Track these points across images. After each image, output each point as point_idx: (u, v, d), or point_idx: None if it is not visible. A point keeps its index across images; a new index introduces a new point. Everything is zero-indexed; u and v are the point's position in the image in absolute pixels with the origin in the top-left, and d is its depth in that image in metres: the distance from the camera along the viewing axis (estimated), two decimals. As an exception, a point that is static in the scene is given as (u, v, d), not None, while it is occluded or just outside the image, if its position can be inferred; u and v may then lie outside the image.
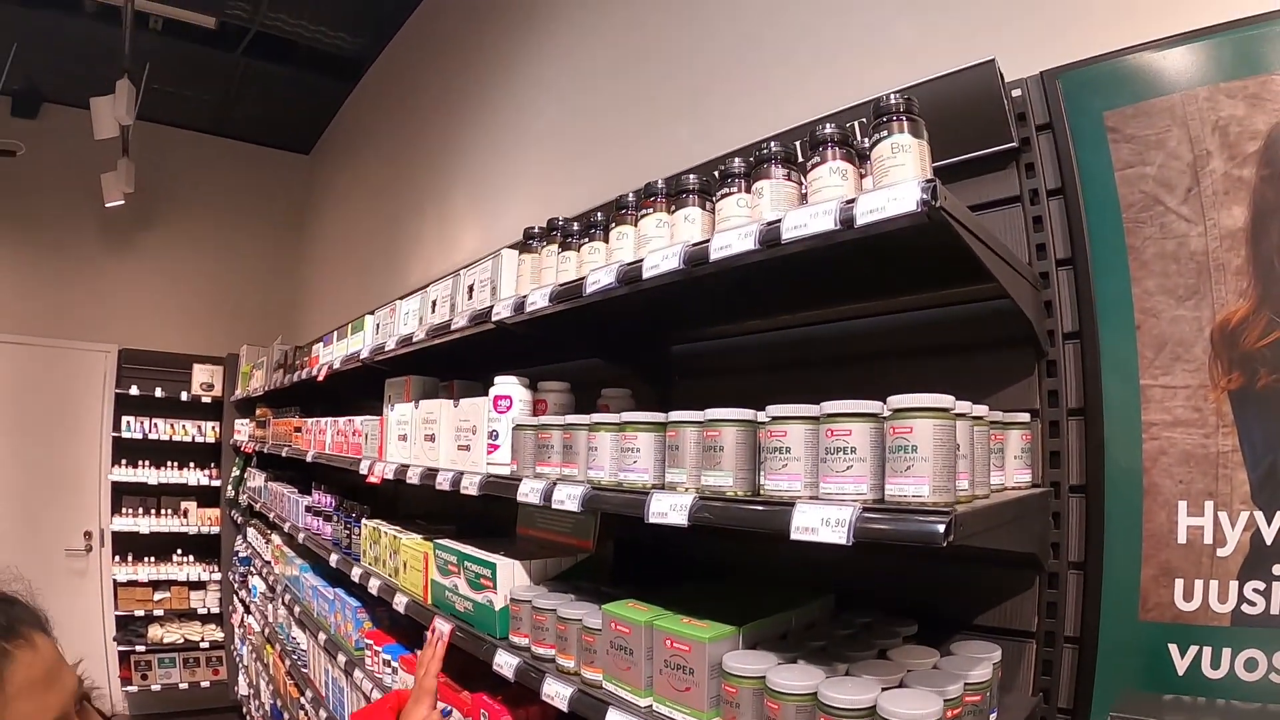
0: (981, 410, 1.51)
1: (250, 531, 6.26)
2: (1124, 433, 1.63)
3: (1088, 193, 1.70)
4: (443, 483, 2.40)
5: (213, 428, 8.07)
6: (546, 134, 4.02)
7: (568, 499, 1.81)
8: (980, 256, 1.39)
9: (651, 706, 1.63)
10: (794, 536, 1.28)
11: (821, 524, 1.26)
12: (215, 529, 7.85)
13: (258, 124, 8.70)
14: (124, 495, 7.85)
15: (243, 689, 6.75)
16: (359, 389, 3.73)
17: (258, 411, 6.13)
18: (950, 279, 1.77)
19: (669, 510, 1.54)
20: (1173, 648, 1.55)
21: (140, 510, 7.80)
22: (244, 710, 6.82)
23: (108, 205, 7.29)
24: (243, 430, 7.03)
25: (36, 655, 1.12)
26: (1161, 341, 1.60)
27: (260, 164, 9.15)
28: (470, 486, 2.24)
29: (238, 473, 7.22)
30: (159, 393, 7.89)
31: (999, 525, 1.40)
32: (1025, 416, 1.70)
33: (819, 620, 1.85)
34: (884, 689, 1.34)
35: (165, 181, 8.37)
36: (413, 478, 2.63)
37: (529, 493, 1.94)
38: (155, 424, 7.92)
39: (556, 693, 1.81)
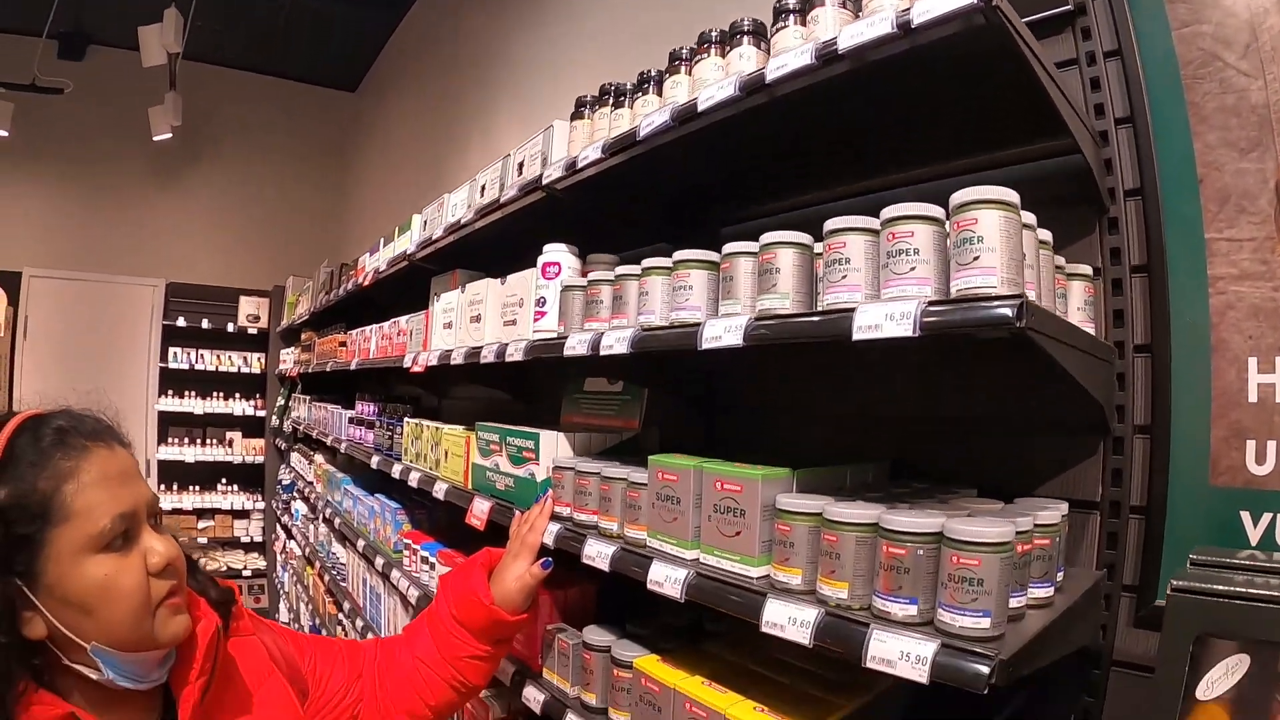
0: (1046, 236, 1.45)
1: (294, 457, 6.33)
2: (1189, 288, 1.56)
3: (1145, 52, 1.65)
4: (487, 356, 2.37)
5: (258, 358, 8.19)
6: (600, 31, 3.92)
7: (616, 343, 1.76)
8: (1039, 78, 1.33)
9: (698, 558, 1.60)
10: (856, 337, 1.23)
11: (885, 319, 1.19)
12: (259, 458, 7.99)
13: (304, 62, 8.77)
14: (170, 425, 8.03)
15: (283, 615, 6.86)
16: (405, 296, 3.71)
17: (303, 337, 6.17)
18: (1008, 131, 1.71)
19: (723, 333, 1.49)
20: (1245, 515, 1.48)
21: (186, 440, 7.97)
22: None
23: (155, 139, 7.40)
24: (288, 359, 7.10)
25: (114, 455, 1.20)
26: (1225, 195, 1.54)
27: (307, 101, 9.24)
28: (516, 353, 2.20)
29: (282, 402, 7.31)
30: (206, 324, 8.03)
31: (1070, 342, 1.31)
32: (1088, 269, 1.62)
33: (875, 481, 1.79)
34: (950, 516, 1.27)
35: (212, 120, 8.50)
36: (457, 358, 2.60)
37: (576, 345, 1.90)
38: (201, 355, 8.07)
39: (598, 553, 1.77)
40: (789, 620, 1.32)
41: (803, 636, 1.29)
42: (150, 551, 1.17)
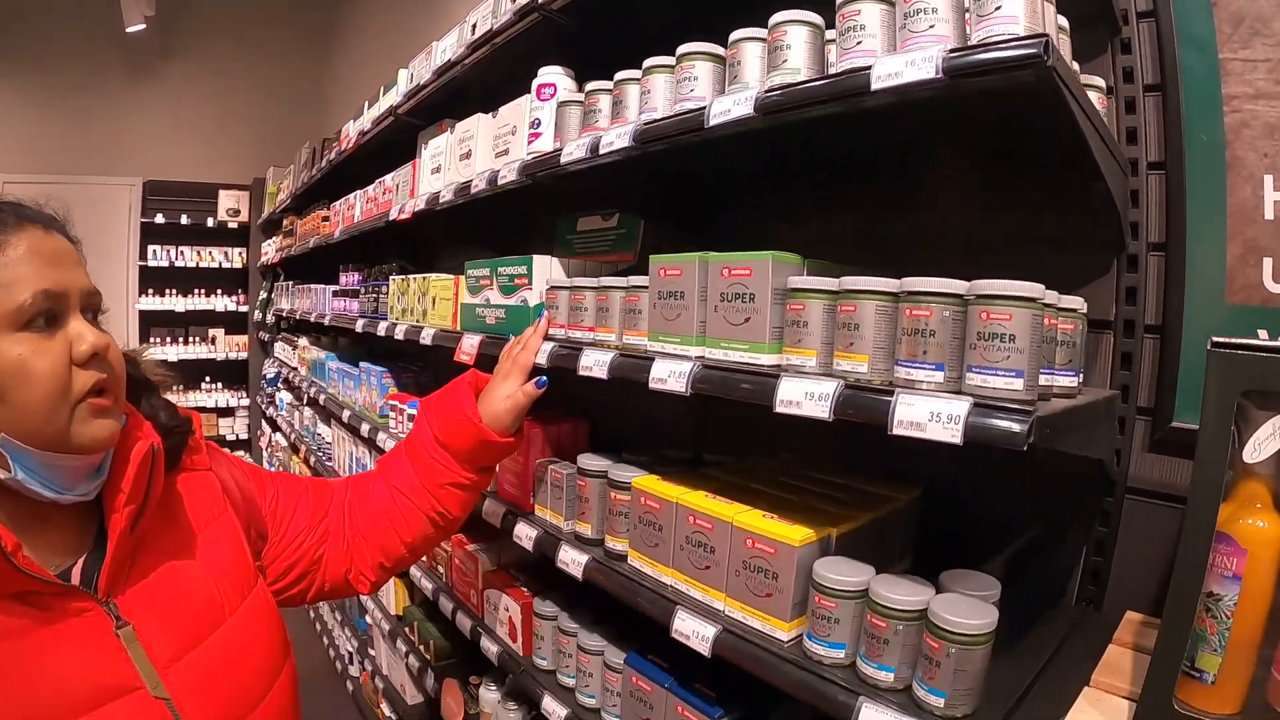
0: (1064, 23, 1.38)
1: (278, 347, 6.25)
2: (1204, 106, 1.50)
3: None
4: (478, 186, 2.27)
5: (239, 253, 8.06)
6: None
7: (617, 139, 1.66)
8: None
9: (704, 354, 1.51)
10: (875, 87, 1.16)
11: (905, 66, 1.13)
12: (243, 354, 7.92)
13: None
14: (152, 325, 7.92)
15: (269, 511, 6.85)
16: (392, 162, 3.57)
17: (284, 223, 6.04)
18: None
19: (732, 106, 1.39)
20: (1263, 334, 1.43)
21: (168, 339, 7.89)
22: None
23: (128, 30, 7.18)
24: (269, 250, 6.96)
25: (51, 238, 1.10)
26: (1239, 18, 1.46)
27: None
28: (509, 175, 2.10)
29: (265, 295, 7.20)
30: (185, 220, 7.88)
31: (1088, 111, 1.22)
32: (1101, 82, 1.53)
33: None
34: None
35: (185, 9, 8.18)
36: (446, 196, 2.50)
37: (573, 151, 1.80)
38: (181, 251, 7.93)
39: (595, 362, 1.69)
40: (805, 396, 1.24)
41: (821, 410, 1.21)
42: (78, 338, 1.07)
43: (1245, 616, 1.04)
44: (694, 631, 1.46)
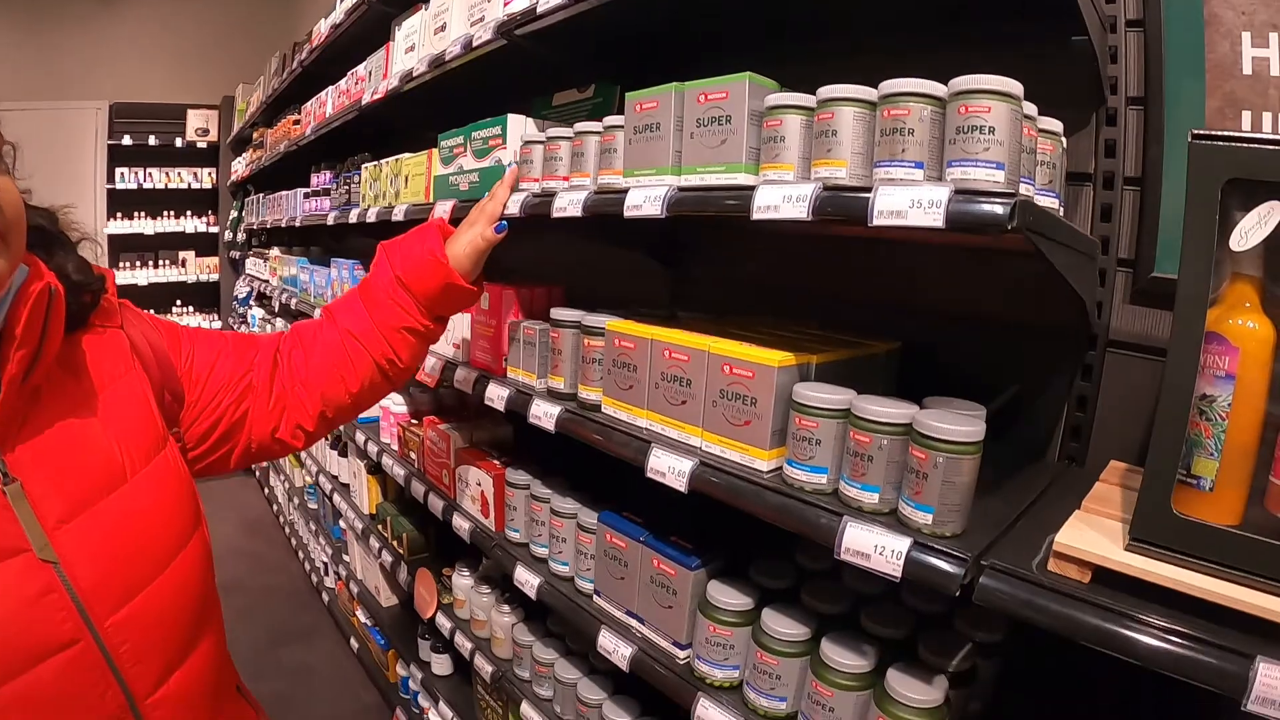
0: None
1: (249, 262, 6.14)
2: None
3: None
4: (453, 52, 2.20)
5: (209, 173, 7.90)
6: None
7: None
8: None
9: (679, 182, 1.46)
10: None
11: None
12: (214, 276, 7.81)
13: None
14: (121, 251, 7.78)
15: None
16: (364, 57, 3.48)
17: (254, 135, 5.91)
18: None
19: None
20: None
21: (138, 263, 7.75)
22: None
23: None
24: (239, 168, 6.83)
25: None
26: None
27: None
28: (483, 34, 2.03)
29: (235, 214, 7.08)
30: (153, 141, 7.70)
31: None
32: None
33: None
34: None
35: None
36: (419, 70, 2.43)
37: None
38: (150, 173, 7.76)
39: (570, 202, 1.65)
40: (783, 199, 1.20)
41: (800, 210, 1.17)
42: None
43: (1241, 418, 1.01)
44: (670, 468, 1.42)
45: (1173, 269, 1.37)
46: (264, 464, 6.17)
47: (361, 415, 3.21)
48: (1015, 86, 1.06)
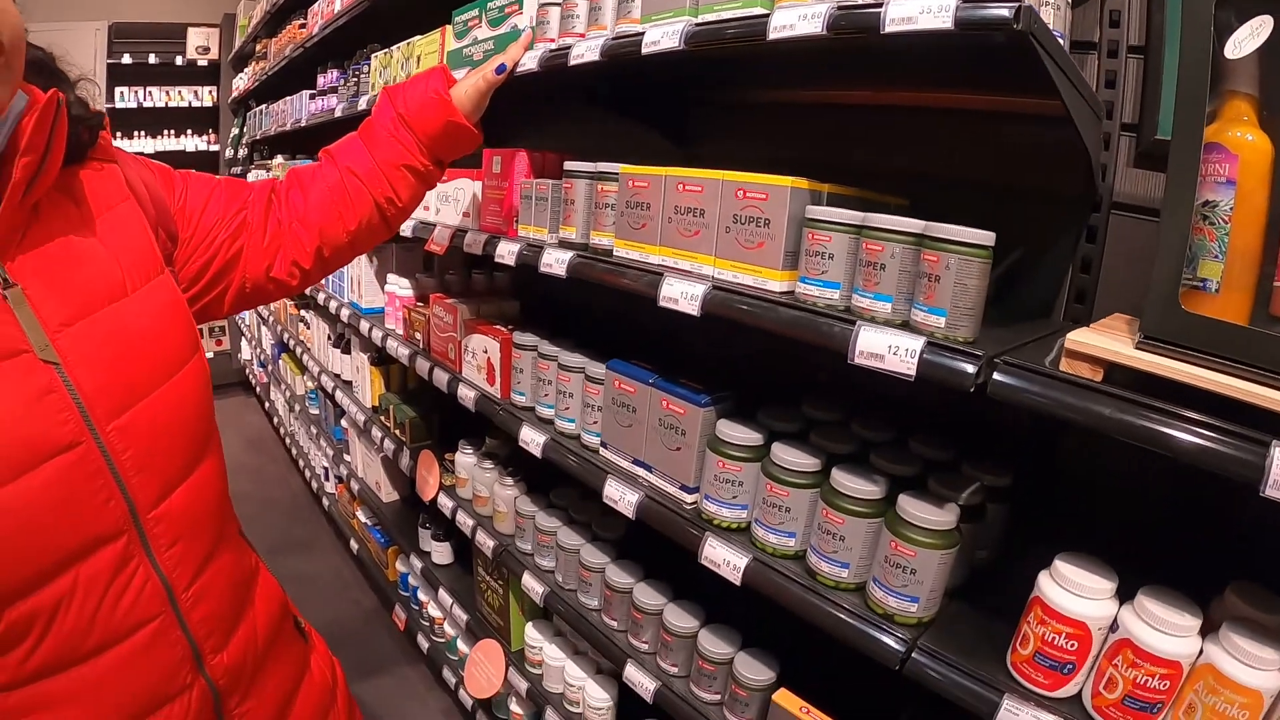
0: None
1: (251, 175, 6.14)
2: None
3: None
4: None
5: (210, 91, 7.84)
6: None
7: None
8: None
9: (698, 18, 1.48)
10: None
11: None
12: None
13: None
14: (119, 168, 7.72)
15: (245, 353, 6.87)
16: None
17: (257, 47, 5.88)
18: None
19: None
20: None
21: (136, 180, 7.69)
22: (246, 373, 7.04)
23: None
24: (241, 85, 6.80)
25: None
26: None
27: None
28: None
29: (236, 131, 7.05)
30: (153, 59, 7.61)
31: None
32: None
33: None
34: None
35: None
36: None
37: None
38: (150, 92, 7.68)
39: (586, 49, 1.66)
40: (799, 18, 1.23)
41: (815, 27, 1.21)
42: None
43: (1243, 222, 1.04)
44: (682, 293, 1.46)
45: (1174, 132, 1.44)
46: (264, 380, 6.23)
47: (366, 306, 3.28)
48: None
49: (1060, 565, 1.16)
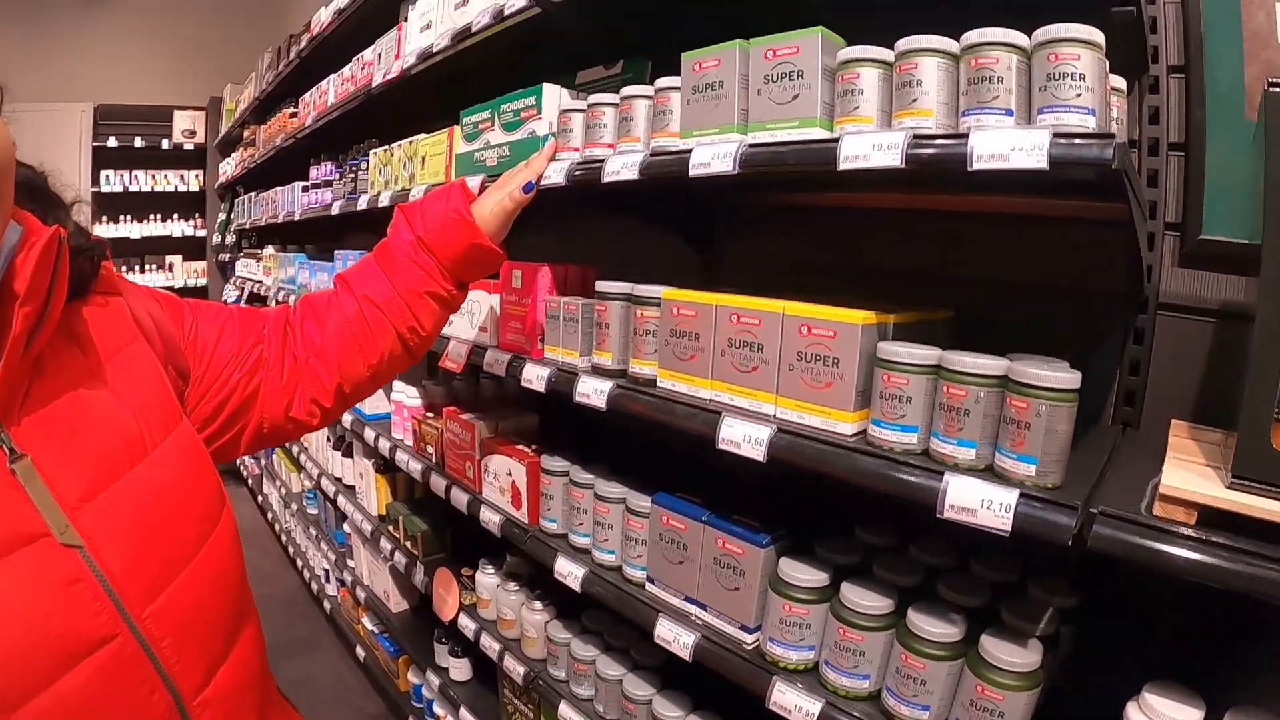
0: None
1: (240, 264, 6.05)
2: None
3: None
4: (480, 21, 2.14)
5: (196, 175, 7.85)
6: None
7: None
8: None
9: (749, 139, 1.41)
10: None
11: None
12: (202, 280, 7.77)
13: None
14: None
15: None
16: (372, 38, 3.42)
17: (245, 134, 5.85)
18: None
19: None
20: None
21: (123, 268, 7.66)
22: (237, 462, 6.87)
23: None
24: (228, 169, 6.77)
25: None
26: None
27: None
28: (516, 2, 1.97)
29: (224, 216, 7.03)
30: (139, 143, 7.65)
31: None
32: None
33: None
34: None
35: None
36: (440, 45, 2.37)
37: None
38: (136, 176, 7.71)
39: (622, 165, 1.59)
40: (873, 148, 1.16)
41: (893, 159, 1.14)
42: None
43: None
44: (745, 437, 1.36)
45: (1220, 231, 1.47)
46: (256, 472, 6.08)
47: (370, 412, 3.17)
48: (1100, 36, 1.08)
49: (1149, 698, 1.11)
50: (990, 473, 1.15)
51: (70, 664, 0.85)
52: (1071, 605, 1.41)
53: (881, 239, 1.94)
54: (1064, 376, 1.09)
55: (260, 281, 5.11)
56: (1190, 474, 1.06)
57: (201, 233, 7.86)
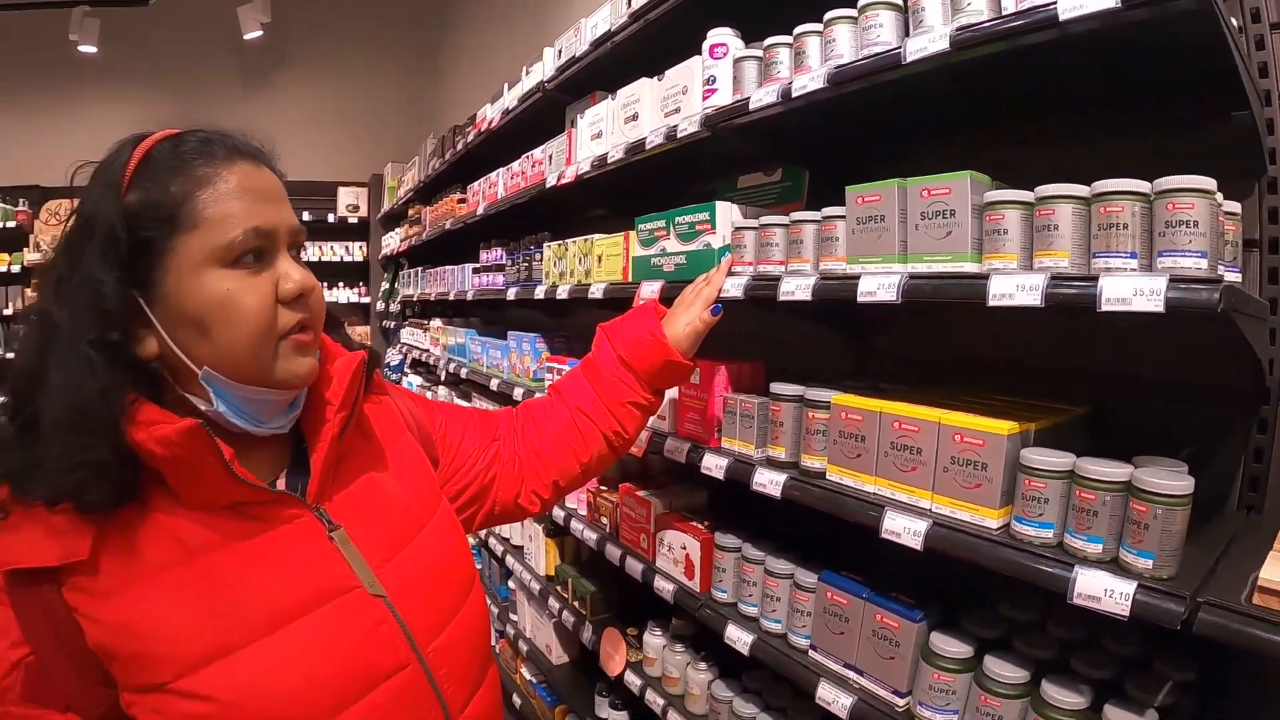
0: None
1: (405, 332, 6.55)
2: None
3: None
4: (654, 141, 2.44)
5: (360, 247, 8.46)
6: None
7: (810, 81, 1.83)
8: None
9: (909, 270, 1.66)
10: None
11: None
12: (366, 344, 8.25)
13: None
14: (276, 318, 8.31)
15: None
16: (522, 144, 3.78)
17: (410, 212, 6.34)
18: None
19: (927, 45, 1.57)
20: None
21: (292, 332, 8.24)
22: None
23: (246, 38, 7.70)
24: (391, 243, 7.31)
25: (260, 173, 1.13)
26: None
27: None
28: (688, 126, 2.26)
29: (387, 285, 7.57)
30: (306, 216, 8.28)
31: None
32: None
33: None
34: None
35: (298, 15, 8.66)
36: (615, 156, 2.67)
37: (764, 97, 1.96)
38: (305, 247, 8.26)
39: (796, 286, 1.86)
40: (1017, 288, 1.39)
41: (1033, 299, 1.37)
42: (284, 277, 1.10)
43: None
44: (905, 529, 1.60)
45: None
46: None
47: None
48: (1212, 184, 1.26)
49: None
50: (1115, 564, 1.36)
51: (374, 685, 1.15)
52: (1190, 679, 1.55)
53: (1020, 334, 2.10)
54: (1178, 484, 1.29)
55: (427, 350, 5.55)
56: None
57: (365, 299, 8.46)
